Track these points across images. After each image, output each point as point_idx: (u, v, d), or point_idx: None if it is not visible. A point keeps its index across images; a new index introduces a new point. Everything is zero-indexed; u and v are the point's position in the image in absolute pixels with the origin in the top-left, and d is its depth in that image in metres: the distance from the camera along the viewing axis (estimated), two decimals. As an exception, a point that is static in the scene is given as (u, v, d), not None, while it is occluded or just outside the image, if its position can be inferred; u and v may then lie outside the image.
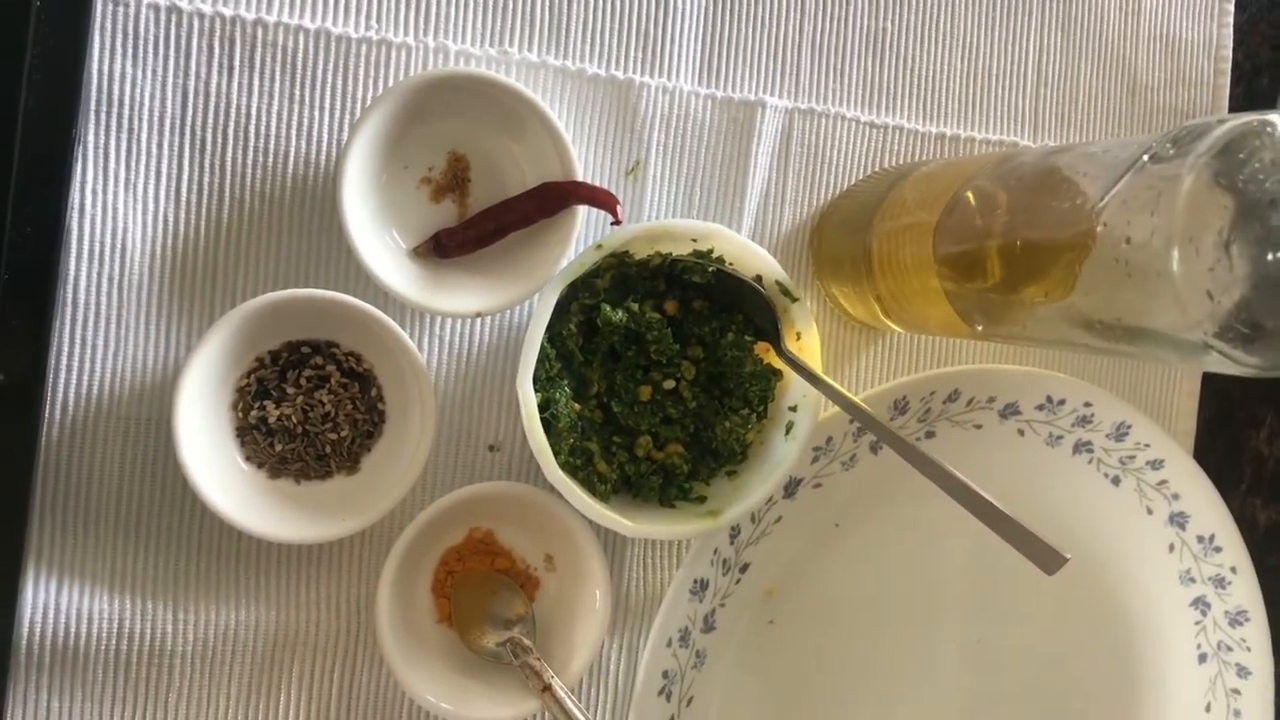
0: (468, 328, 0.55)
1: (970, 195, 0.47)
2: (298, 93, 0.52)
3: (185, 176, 0.51)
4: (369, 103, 0.51)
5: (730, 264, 0.52)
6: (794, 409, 0.53)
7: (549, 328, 0.50)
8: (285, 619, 0.52)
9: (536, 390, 0.49)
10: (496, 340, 0.55)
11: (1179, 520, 0.61)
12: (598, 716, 0.57)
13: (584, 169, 0.54)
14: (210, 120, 0.51)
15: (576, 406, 0.52)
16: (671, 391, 0.53)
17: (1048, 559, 0.40)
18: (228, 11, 0.51)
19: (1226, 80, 0.66)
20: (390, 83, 0.53)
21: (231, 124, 0.51)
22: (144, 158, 0.50)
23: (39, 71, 0.46)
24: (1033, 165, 0.45)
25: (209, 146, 0.51)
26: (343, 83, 0.52)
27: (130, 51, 0.50)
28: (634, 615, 0.57)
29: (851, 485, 0.58)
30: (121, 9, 0.49)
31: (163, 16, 0.50)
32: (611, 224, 0.52)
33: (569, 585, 0.54)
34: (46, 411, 0.49)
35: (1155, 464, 0.61)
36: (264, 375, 0.50)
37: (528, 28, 0.55)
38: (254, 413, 0.50)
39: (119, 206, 0.50)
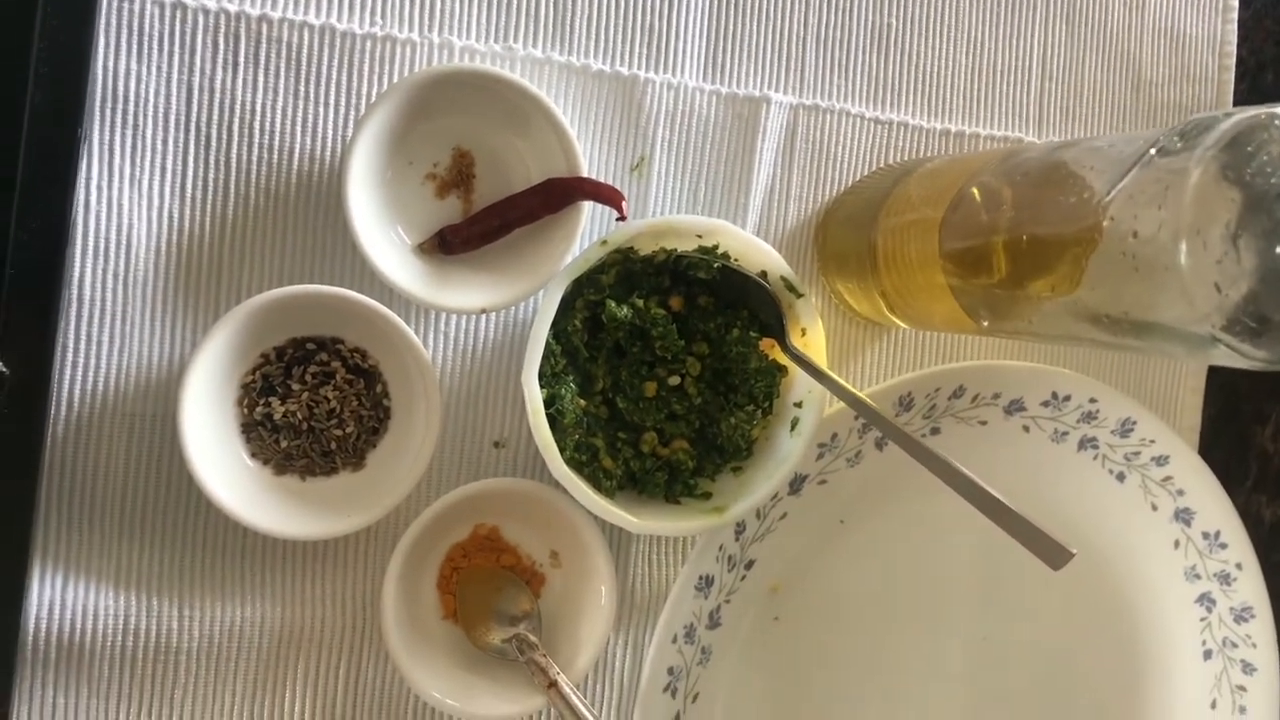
0: (473, 324, 0.55)
1: (975, 191, 0.47)
2: (302, 89, 0.52)
3: (190, 173, 0.51)
4: (374, 99, 0.51)
5: (735, 260, 0.52)
6: (799, 405, 0.53)
7: (554, 324, 0.50)
8: (290, 615, 0.52)
9: (542, 386, 0.49)
10: (501, 336, 0.55)
11: (1184, 516, 0.61)
12: (603, 713, 0.57)
13: (589, 165, 0.54)
14: (215, 116, 0.51)
15: (582, 402, 0.52)
16: (676, 387, 0.53)
17: (1054, 554, 0.40)
18: (232, 7, 0.51)
19: (1231, 76, 0.66)
20: (395, 79, 0.53)
21: (236, 120, 0.51)
22: (149, 154, 0.50)
23: (45, 66, 0.46)
24: (1038, 160, 0.45)
25: (214, 143, 0.51)
26: (347, 79, 0.52)
27: (135, 48, 0.50)
28: (639, 611, 0.57)
29: (856, 482, 0.58)
30: (126, 5, 0.49)
31: (168, 13, 0.50)
32: (616, 220, 0.52)
33: (574, 581, 0.54)
34: (52, 408, 0.49)
35: (1160, 460, 0.61)
36: (269, 371, 0.50)
37: (532, 24, 0.55)
38: (259, 409, 0.50)
39: (124, 203, 0.50)
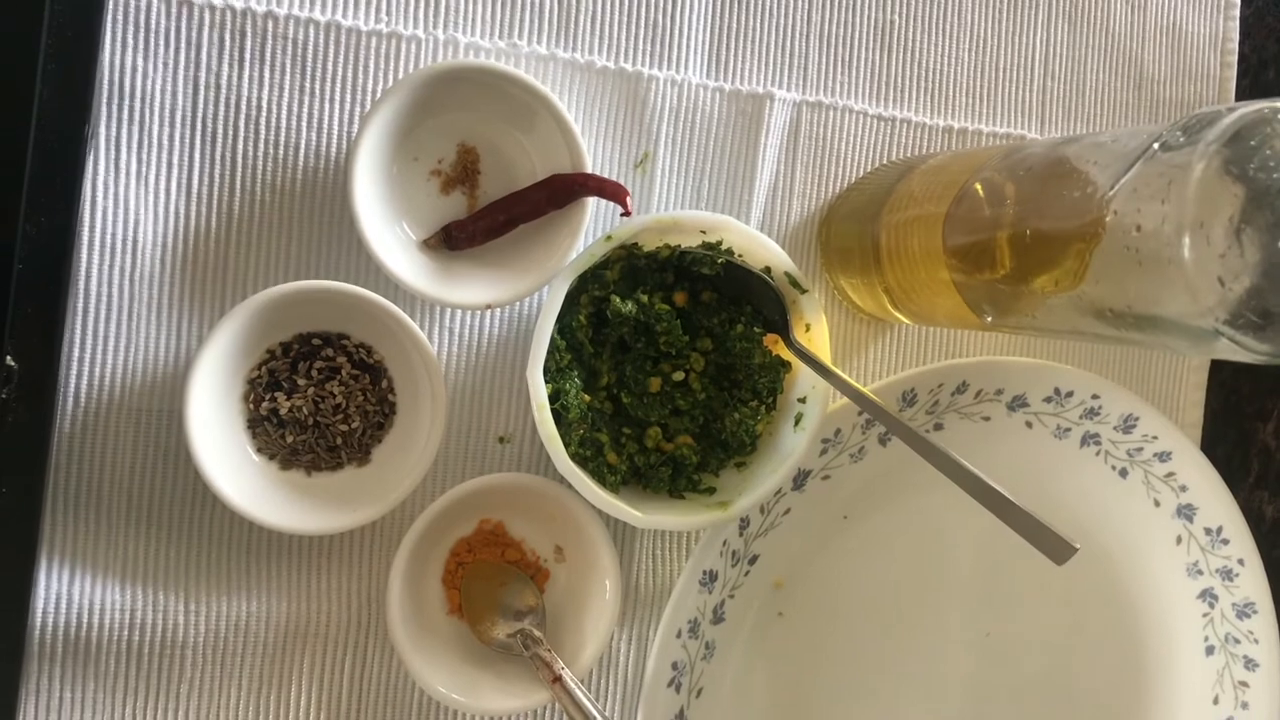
0: (478, 319, 0.55)
1: (979, 186, 0.47)
2: (308, 85, 0.52)
3: (196, 169, 0.51)
4: (379, 95, 0.51)
5: (739, 256, 0.53)
6: (803, 400, 0.53)
7: (559, 319, 0.50)
8: (296, 610, 0.53)
9: (546, 381, 0.50)
10: (506, 332, 0.55)
11: (1186, 512, 0.62)
12: (607, 707, 0.57)
13: (593, 161, 0.55)
14: (221, 113, 0.51)
15: (586, 398, 0.52)
16: (681, 383, 0.53)
17: (1057, 549, 0.40)
18: (238, 4, 0.51)
19: (1233, 73, 0.66)
20: (400, 75, 0.53)
21: (242, 117, 0.51)
22: (155, 150, 0.51)
23: (53, 63, 0.46)
24: (1042, 156, 0.45)
25: (220, 139, 0.51)
26: (353, 75, 0.52)
27: (142, 44, 0.50)
28: (643, 606, 0.58)
29: (860, 477, 0.58)
30: (134, 1, 0.50)
31: (174, 9, 0.50)
32: (621, 216, 0.52)
33: (579, 576, 0.54)
34: (59, 403, 0.49)
35: (1163, 456, 0.61)
36: (275, 367, 0.51)
37: (537, 20, 0.55)
38: (265, 404, 0.50)
39: (130, 199, 0.50)
